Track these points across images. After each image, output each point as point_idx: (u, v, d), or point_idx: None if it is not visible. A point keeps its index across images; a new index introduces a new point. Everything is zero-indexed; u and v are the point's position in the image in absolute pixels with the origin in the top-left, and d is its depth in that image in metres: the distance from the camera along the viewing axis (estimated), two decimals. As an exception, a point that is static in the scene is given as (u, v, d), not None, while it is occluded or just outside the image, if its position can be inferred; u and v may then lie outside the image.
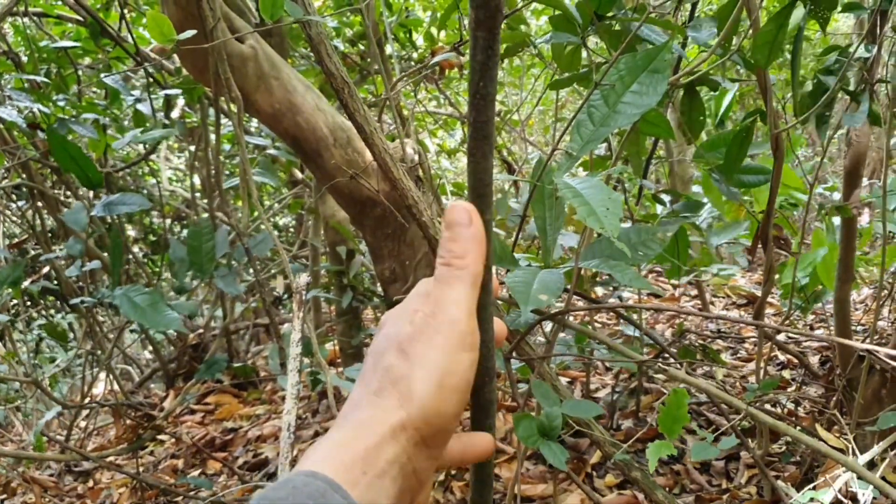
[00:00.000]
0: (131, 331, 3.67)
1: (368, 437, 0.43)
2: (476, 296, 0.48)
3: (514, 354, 1.08)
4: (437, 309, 0.47)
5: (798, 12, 1.41)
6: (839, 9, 1.40)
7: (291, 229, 4.64)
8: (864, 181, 4.07)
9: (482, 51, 0.42)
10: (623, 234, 1.20)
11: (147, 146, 2.88)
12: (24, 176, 2.84)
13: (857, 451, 1.43)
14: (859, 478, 1.03)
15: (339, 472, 0.41)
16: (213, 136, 2.71)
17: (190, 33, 1.49)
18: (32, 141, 2.66)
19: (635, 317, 2.12)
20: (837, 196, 2.15)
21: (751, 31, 1.41)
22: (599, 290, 2.77)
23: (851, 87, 1.56)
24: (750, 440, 1.87)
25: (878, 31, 1.48)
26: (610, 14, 1.33)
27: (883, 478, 1.53)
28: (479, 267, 0.48)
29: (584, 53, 1.48)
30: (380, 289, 2.60)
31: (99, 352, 2.81)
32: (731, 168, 1.51)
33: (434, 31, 3.04)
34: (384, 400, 0.45)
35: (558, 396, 0.97)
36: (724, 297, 3.45)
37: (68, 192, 3.19)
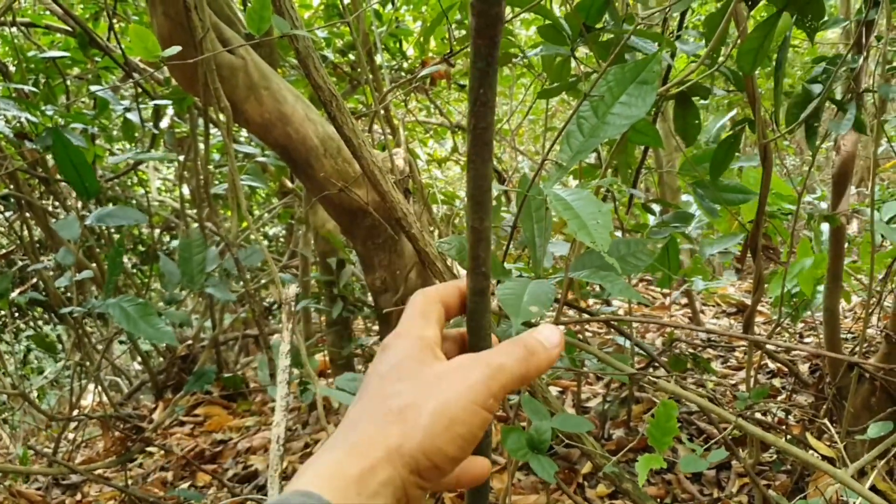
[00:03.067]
0: (120, 342, 3.65)
1: (364, 459, 0.43)
2: (514, 386, 0.48)
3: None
4: (480, 362, 0.47)
5: (785, 22, 1.42)
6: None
7: (282, 238, 4.63)
8: (853, 189, 4.10)
9: (482, 58, 0.42)
10: (613, 246, 1.20)
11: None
12: (11, 186, 2.82)
13: (848, 461, 1.43)
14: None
15: (334, 492, 0.41)
16: (202, 147, 2.70)
17: (175, 49, 1.48)
18: (20, 151, 2.64)
19: (627, 326, 2.12)
20: (826, 205, 2.16)
21: (739, 42, 1.42)
22: (591, 299, 2.77)
23: (838, 97, 1.57)
24: (741, 449, 1.87)
25: (864, 42, 1.49)
26: (599, 25, 1.34)
27: (873, 487, 1.54)
28: (536, 372, 0.49)
29: (573, 63, 1.48)
30: (370, 299, 2.59)
31: (87, 363, 2.79)
32: (716, 173, 1.51)
33: (424, 40, 3.05)
34: (386, 423, 0.45)
35: (548, 410, 0.97)
36: (714, 306, 3.46)
37: (56, 203, 3.17)
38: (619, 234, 1.91)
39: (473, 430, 0.45)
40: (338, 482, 0.42)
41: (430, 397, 0.45)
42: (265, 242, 4.69)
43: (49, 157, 2.59)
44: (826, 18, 1.81)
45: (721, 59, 1.40)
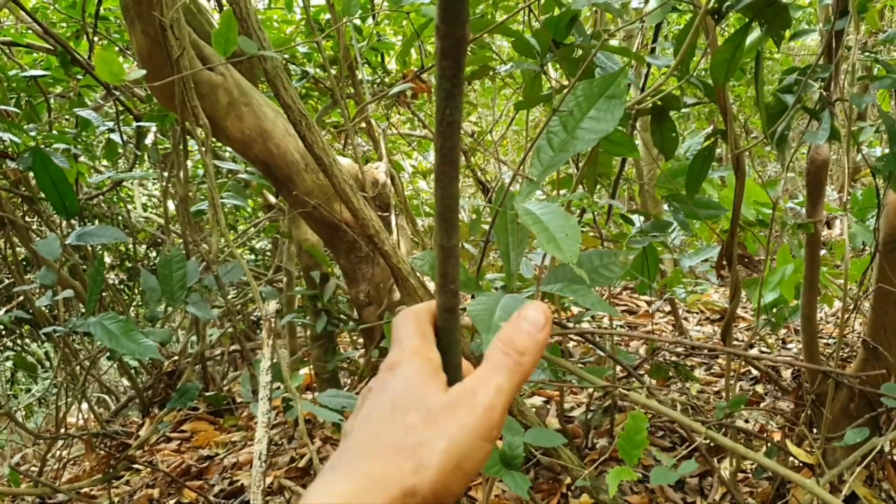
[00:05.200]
0: (107, 358, 3.64)
1: (379, 495, 0.44)
2: (516, 393, 0.50)
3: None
4: (480, 389, 0.48)
5: (757, 35, 1.44)
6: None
7: (267, 253, 4.63)
8: (834, 195, 4.13)
9: (448, 80, 0.43)
10: (585, 258, 1.21)
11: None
12: (-6, 205, 2.81)
13: (826, 467, 1.45)
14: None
15: None
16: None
17: (140, 73, 1.49)
18: (2, 170, 2.64)
19: (607, 337, 2.13)
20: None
21: (709, 53, 1.44)
22: (574, 309, 2.78)
23: (812, 105, 1.58)
24: (722, 457, 1.88)
25: (835, 51, 1.51)
26: (569, 41, 1.35)
27: (853, 493, 1.55)
28: (532, 369, 0.50)
29: (549, 77, 1.50)
30: (355, 313, 2.59)
31: (74, 380, 2.78)
32: (693, 186, 1.53)
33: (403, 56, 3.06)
34: (401, 460, 0.45)
35: (522, 424, 0.98)
36: (697, 313, 3.48)
37: (40, 221, 3.17)
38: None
39: (477, 464, 0.47)
40: None
41: (441, 436, 0.46)
42: (251, 257, 4.68)
43: (32, 175, 2.58)
44: (802, 27, 1.83)
45: (692, 70, 1.42)
